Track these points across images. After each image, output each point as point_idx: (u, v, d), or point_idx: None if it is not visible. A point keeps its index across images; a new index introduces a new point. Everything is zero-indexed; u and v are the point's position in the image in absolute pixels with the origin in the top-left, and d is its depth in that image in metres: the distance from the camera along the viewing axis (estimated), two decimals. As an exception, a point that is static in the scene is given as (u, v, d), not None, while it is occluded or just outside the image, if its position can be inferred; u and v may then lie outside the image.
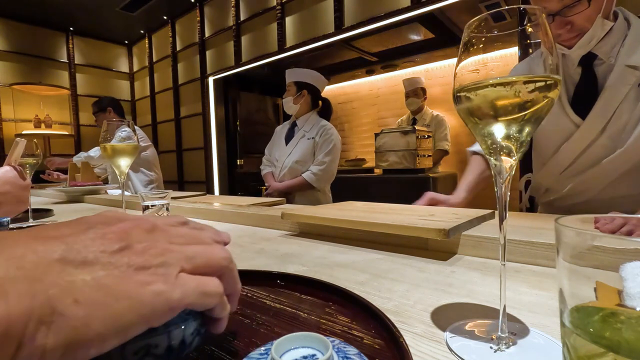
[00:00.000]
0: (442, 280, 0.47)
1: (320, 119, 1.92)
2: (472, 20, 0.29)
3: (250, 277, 0.45)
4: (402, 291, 0.44)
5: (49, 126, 4.36)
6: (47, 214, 1.21)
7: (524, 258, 0.54)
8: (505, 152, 0.30)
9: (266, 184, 1.97)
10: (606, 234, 0.18)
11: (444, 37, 3.04)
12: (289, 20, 3.34)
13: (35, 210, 1.20)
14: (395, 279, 0.48)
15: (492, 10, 0.30)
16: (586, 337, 0.19)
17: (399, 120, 3.44)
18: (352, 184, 2.86)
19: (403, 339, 0.28)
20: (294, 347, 0.26)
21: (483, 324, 0.34)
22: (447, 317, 0.36)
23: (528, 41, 0.29)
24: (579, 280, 0.20)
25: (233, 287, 0.26)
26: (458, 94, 0.30)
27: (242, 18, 3.74)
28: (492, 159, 0.31)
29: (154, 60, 4.89)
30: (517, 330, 0.32)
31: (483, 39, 0.29)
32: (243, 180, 4.06)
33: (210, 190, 4.15)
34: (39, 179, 2.55)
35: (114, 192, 1.80)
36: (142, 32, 4.88)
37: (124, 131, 0.80)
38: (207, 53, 4.14)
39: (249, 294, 0.41)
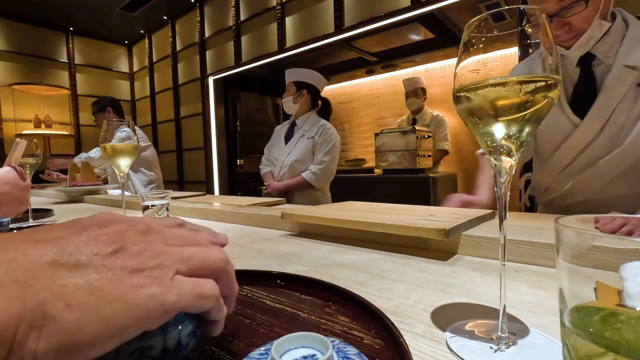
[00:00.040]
0: (442, 280, 0.47)
1: (319, 118, 1.92)
2: (472, 20, 0.29)
3: (250, 277, 0.45)
4: (402, 291, 0.44)
5: (49, 126, 4.36)
6: (47, 214, 1.21)
7: (524, 258, 0.54)
8: (505, 152, 0.30)
9: (265, 184, 1.98)
10: (606, 234, 0.18)
11: (444, 37, 3.04)
12: (289, 20, 3.34)
13: (35, 210, 1.20)
14: (395, 279, 0.48)
15: (492, 10, 0.30)
16: (586, 337, 0.19)
17: (399, 120, 3.44)
18: (352, 184, 2.86)
19: (403, 339, 0.28)
20: (294, 347, 0.26)
21: (483, 324, 0.34)
22: (447, 317, 0.36)
23: (528, 41, 0.29)
24: (579, 280, 0.20)
25: (230, 288, 0.26)
26: (458, 94, 0.30)
27: (242, 18, 3.74)
28: (492, 158, 0.31)
29: (154, 60, 4.89)
30: (517, 330, 0.32)
31: (483, 39, 0.29)
32: (243, 180, 4.06)
33: (210, 190, 4.15)
34: (39, 179, 2.55)
35: (114, 192, 1.80)
36: (142, 32, 4.88)
37: (123, 131, 0.80)
38: (207, 53, 4.14)
39: (248, 294, 0.41)
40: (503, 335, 0.30)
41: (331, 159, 1.84)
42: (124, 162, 0.79)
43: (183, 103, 4.51)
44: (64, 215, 1.24)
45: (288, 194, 1.88)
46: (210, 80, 4.12)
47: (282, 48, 3.36)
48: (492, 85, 0.28)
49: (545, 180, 1.04)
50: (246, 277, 0.44)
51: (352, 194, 2.54)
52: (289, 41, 3.33)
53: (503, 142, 0.29)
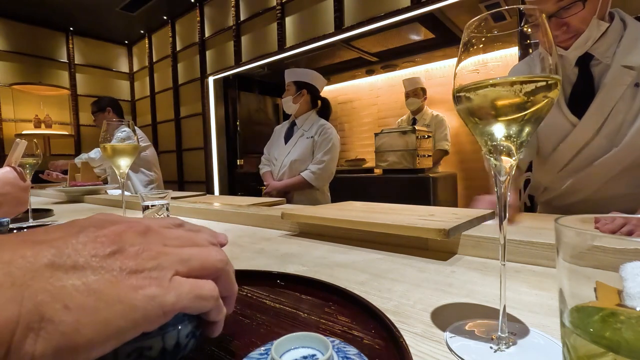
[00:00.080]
0: (442, 280, 0.47)
1: (319, 118, 1.93)
2: (472, 20, 0.29)
3: (250, 277, 0.45)
4: (402, 291, 0.44)
5: (49, 126, 4.36)
6: (47, 214, 1.21)
7: (524, 258, 0.54)
8: (505, 152, 0.30)
9: (265, 183, 1.98)
10: (606, 234, 0.18)
11: (444, 37, 3.04)
12: (289, 20, 3.34)
13: (35, 210, 1.20)
14: (395, 279, 0.48)
15: (492, 10, 0.30)
16: (586, 337, 0.19)
17: (399, 120, 3.44)
18: (352, 184, 2.86)
19: (403, 339, 0.28)
20: (294, 347, 0.26)
21: (483, 324, 0.34)
22: (447, 317, 0.36)
23: (528, 41, 0.29)
24: (579, 280, 0.20)
25: (229, 289, 0.26)
26: (458, 94, 0.30)
27: (242, 18, 3.74)
28: (492, 158, 0.31)
29: (154, 60, 4.89)
30: (517, 330, 0.32)
31: (483, 39, 0.29)
32: (243, 180, 4.06)
33: (210, 190, 4.15)
34: (39, 179, 2.55)
35: (113, 192, 1.80)
36: (142, 32, 4.88)
37: (123, 131, 0.80)
38: (207, 53, 4.14)
39: (248, 294, 0.41)
40: (503, 335, 0.30)
41: (331, 158, 1.84)
42: (124, 162, 0.79)
43: (183, 103, 4.51)
44: (64, 215, 1.24)
45: (287, 194, 1.88)
46: (210, 80, 4.12)
47: (282, 48, 3.36)
48: (492, 85, 0.28)
49: (544, 180, 1.04)
50: (246, 277, 0.44)
51: (352, 194, 2.54)
52: (289, 41, 3.33)
53: (503, 142, 0.29)
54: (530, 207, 1.24)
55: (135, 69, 5.26)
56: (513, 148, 0.29)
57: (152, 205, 0.69)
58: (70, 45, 4.63)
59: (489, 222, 0.71)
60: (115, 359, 0.21)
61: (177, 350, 0.23)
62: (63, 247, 0.19)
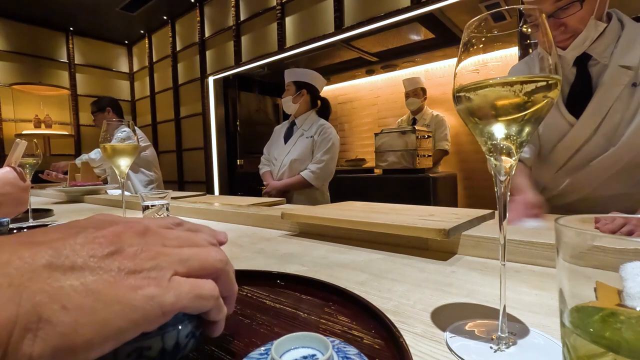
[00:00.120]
0: (442, 280, 0.47)
1: (319, 118, 1.93)
2: (472, 20, 0.29)
3: (250, 277, 0.45)
4: (402, 291, 0.44)
5: (49, 126, 4.36)
6: (47, 214, 1.21)
7: (524, 258, 0.54)
8: (505, 152, 0.30)
9: (264, 183, 1.98)
10: (606, 234, 0.18)
11: (444, 37, 3.04)
12: (288, 20, 3.34)
13: (35, 210, 1.20)
14: (395, 279, 0.48)
15: (492, 10, 0.30)
16: (586, 337, 0.19)
17: (399, 120, 3.44)
18: (351, 184, 2.86)
19: (403, 339, 0.28)
20: (294, 347, 0.26)
21: (483, 324, 0.34)
22: (447, 317, 0.36)
23: (528, 41, 0.29)
24: (579, 280, 0.20)
25: (229, 289, 0.26)
26: (458, 94, 0.30)
27: (242, 18, 3.74)
28: (492, 159, 0.31)
29: (154, 60, 4.89)
30: (517, 330, 0.32)
31: (483, 39, 0.29)
32: (243, 180, 4.06)
33: (210, 190, 4.15)
34: (39, 179, 2.55)
35: (114, 192, 1.80)
36: (142, 32, 4.88)
37: (123, 131, 0.80)
38: (207, 53, 4.14)
39: (248, 294, 0.41)
40: (503, 335, 0.30)
41: (330, 158, 1.84)
42: (124, 162, 0.79)
43: (183, 103, 4.51)
44: (64, 215, 1.24)
45: (287, 193, 1.88)
46: (210, 80, 4.12)
47: (282, 48, 3.36)
48: (492, 85, 0.28)
49: (543, 179, 1.04)
50: (246, 277, 0.44)
51: (352, 194, 2.54)
52: (289, 41, 3.33)
53: (503, 142, 0.29)
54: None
55: (135, 69, 5.26)
56: (513, 148, 0.29)
57: (152, 205, 0.69)
58: (70, 45, 4.63)
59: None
60: (115, 359, 0.21)
61: (176, 350, 0.23)
62: (61, 248, 0.19)
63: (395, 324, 0.30)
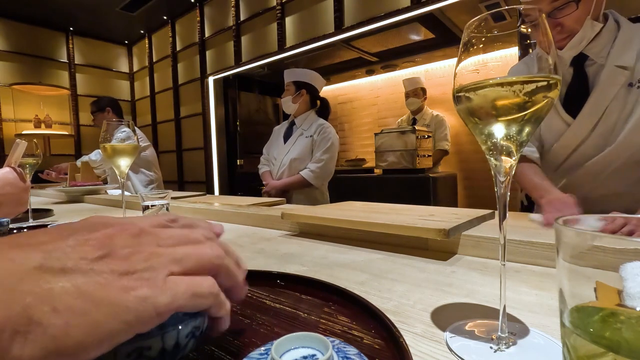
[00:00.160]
0: (442, 280, 0.47)
1: (318, 117, 1.93)
2: (472, 20, 0.29)
3: (250, 277, 0.45)
4: (402, 291, 0.44)
5: (49, 126, 4.36)
6: (47, 214, 1.21)
7: (524, 258, 0.54)
8: (505, 152, 0.30)
9: (264, 182, 1.98)
10: (606, 234, 0.18)
11: (444, 37, 3.04)
12: (288, 20, 3.34)
13: (35, 210, 1.20)
14: (395, 279, 0.48)
15: (492, 10, 0.30)
16: (586, 337, 0.19)
17: (399, 120, 3.44)
18: (351, 184, 2.86)
19: (403, 339, 0.28)
20: (294, 347, 0.26)
21: (483, 324, 0.34)
22: (447, 317, 0.36)
23: (528, 41, 0.29)
24: (579, 280, 0.20)
25: (232, 281, 0.26)
26: (458, 94, 0.30)
27: (242, 18, 3.74)
28: (492, 159, 0.31)
29: (154, 60, 4.88)
30: (517, 330, 0.32)
31: (483, 39, 0.29)
32: (243, 180, 4.06)
33: (210, 190, 4.15)
34: (39, 179, 2.55)
35: (114, 192, 1.80)
36: (142, 32, 4.88)
37: (123, 131, 0.80)
38: (207, 53, 4.14)
39: (248, 294, 0.41)
40: (503, 335, 0.30)
41: (330, 157, 1.85)
42: (124, 162, 0.79)
43: (183, 103, 4.51)
44: (64, 215, 1.24)
45: (286, 193, 1.88)
46: (210, 80, 4.12)
47: (282, 48, 3.36)
48: (492, 85, 0.28)
49: None
50: (246, 277, 0.44)
51: (352, 194, 2.55)
52: (289, 41, 3.33)
53: (503, 142, 0.29)
54: (527, 206, 1.25)
55: (135, 69, 5.25)
56: (513, 148, 0.29)
57: (152, 205, 0.69)
58: (70, 45, 4.63)
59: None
60: (114, 359, 0.21)
61: (176, 350, 0.23)
62: (52, 251, 0.19)
63: (395, 324, 0.30)
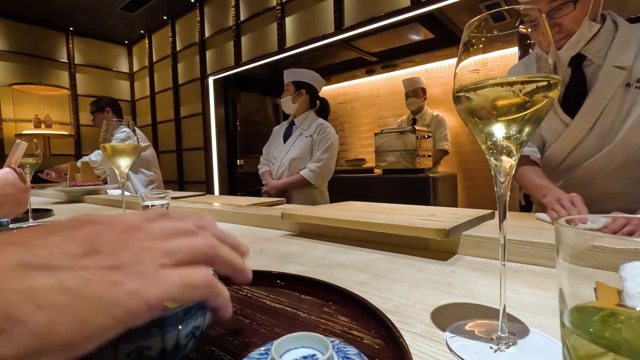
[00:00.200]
0: (442, 280, 0.47)
1: (318, 117, 1.93)
2: (472, 20, 0.29)
3: (250, 277, 0.45)
4: (402, 291, 0.44)
5: (49, 126, 4.36)
6: (47, 214, 1.21)
7: (524, 258, 0.54)
8: (505, 152, 0.30)
9: (263, 182, 1.98)
10: (605, 234, 0.18)
11: (444, 37, 3.04)
12: (289, 20, 3.34)
13: (35, 210, 1.20)
14: (395, 279, 0.48)
15: (492, 10, 0.30)
16: (586, 337, 0.19)
17: (399, 120, 3.44)
18: (351, 184, 2.86)
19: (403, 339, 0.28)
20: (294, 347, 0.26)
21: (483, 324, 0.34)
22: (447, 317, 0.36)
23: (528, 41, 0.29)
24: (579, 280, 0.20)
25: (231, 268, 0.26)
26: (458, 94, 0.30)
27: (242, 18, 3.74)
28: (492, 159, 0.31)
29: (154, 60, 4.88)
30: (517, 330, 0.32)
31: (483, 39, 0.29)
32: (243, 180, 4.06)
33: (210, 191, 4.15)
34: (39, 178, 2.55)
35: (113, 192, 1.80)
36: (142, 32, 4.88)
37: (123, 131, 0.80)
38: (207, 53, 4.14)
39: (248, 294, 0.41)
40: (503, 335, 0.30)
41: (329, 157, 1.85)
42: (124, 163, 0.79)
43: (183, 103, 4.51)
44: (64, 215, 1.23)
45: (286, 193, 1.88)
46: (210, 80, 4.12)
47: (282, 48, 3.36)
48: (492, 85, 0.28)
49: None
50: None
51: (352, 194, 2.54)
52: (289, 41, 3.33)
53: (503, 142, 0.29)
54: (525, 206, 1.25)
55: (135, 69, 5.25)
56: (513, 148, 0.29)
57: (152, 205, 0.69)
58: (70, 45, 4.63)
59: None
60: (114, 358, 0.21)
61: (176, 350, 0.23)
62: (36, 248, 0.19)
63: (395, 324, 0.30)
